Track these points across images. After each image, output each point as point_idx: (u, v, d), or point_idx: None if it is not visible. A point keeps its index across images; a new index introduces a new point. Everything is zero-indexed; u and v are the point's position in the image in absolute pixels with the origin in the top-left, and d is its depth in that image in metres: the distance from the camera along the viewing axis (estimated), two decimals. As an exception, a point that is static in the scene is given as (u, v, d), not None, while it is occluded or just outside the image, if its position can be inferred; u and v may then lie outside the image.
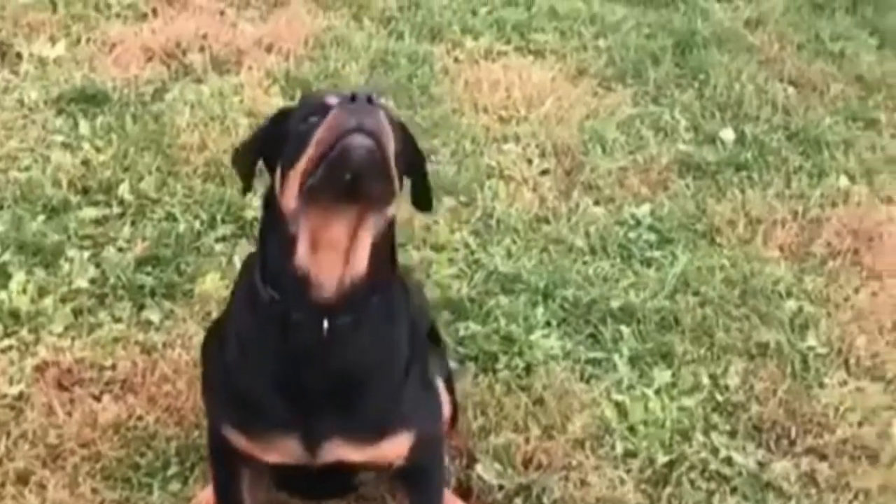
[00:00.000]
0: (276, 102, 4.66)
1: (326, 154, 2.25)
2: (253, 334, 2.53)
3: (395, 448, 2.60)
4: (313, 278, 2.38)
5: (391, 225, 2.47)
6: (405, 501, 2.90)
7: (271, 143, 2.48)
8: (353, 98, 2.28)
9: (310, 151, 2.28)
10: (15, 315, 3.61)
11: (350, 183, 2.26)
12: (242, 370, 2.56)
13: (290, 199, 2.34)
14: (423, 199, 2.62)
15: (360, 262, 2.39)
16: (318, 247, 2.36)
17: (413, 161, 2.51)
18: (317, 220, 2.34)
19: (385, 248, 2.46)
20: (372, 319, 2.47)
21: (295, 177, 2.32)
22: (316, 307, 2.40)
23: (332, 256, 2.37)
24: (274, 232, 2.43)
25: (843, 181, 4.66)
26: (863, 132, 5.07)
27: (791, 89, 5.33)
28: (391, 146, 2.28)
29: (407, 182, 2.52)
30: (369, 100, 2.28)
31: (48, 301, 3.66)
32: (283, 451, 2.55)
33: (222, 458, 2.72)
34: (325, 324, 2.41)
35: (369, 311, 2.45)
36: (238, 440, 2.60)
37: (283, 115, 2.55)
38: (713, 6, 6.06)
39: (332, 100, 2.35)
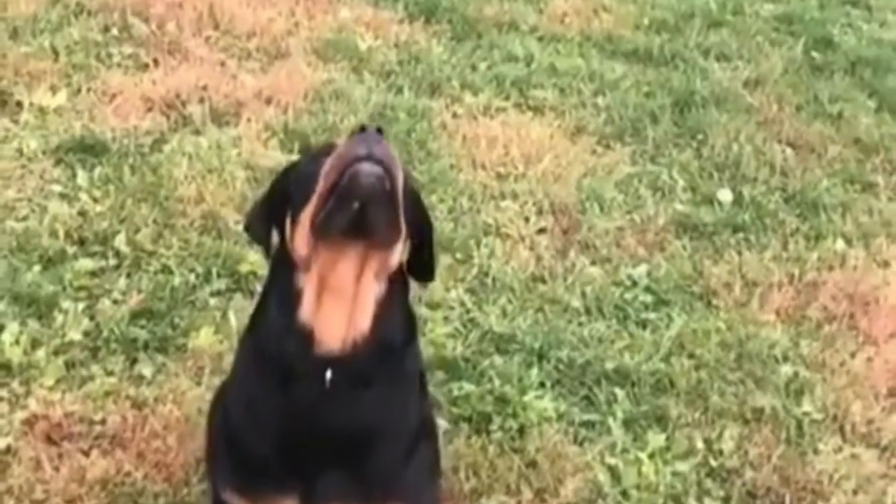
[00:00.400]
0: (274, 155, 4.68)
1: (337, 183, 2.24)
2: (256, 392, 2.51)
3: None
4: (318, 330, 2.37)
5: (403, 285, 2.46)
6: None
7: (280, 199, 2.48)
8: (362, 129, 2.29)
9: (320, 185, 2.28)
10: (6, 367, 3.58)
11: (359, 213, 2.24)
12: (245, 430, 2.55)
13: (300, 243, 2.34)
14: (425, 267, 2.57)
15: (366, 313, 2.38)
16: (325, 294, 2.35)
17: (417, 220, 2.48)
18: (326, 261, 2.32)
19: (394, 309, 2.45)
20: (378, 381, 2.45)
21: (306, 217, 2.31)
22: (320, 360, 2.38)
23: (338, 305, 2.36)
24: (279, 287, 2.43)
25: (840, 244, 4.66)
26: (860, 195, 5.08)
27: (789, 151, 5.34)
28: (400, 176, 2.28)
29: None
30: (379, 130, 2.29)
31: (41, 353, 3.64)
32: None
33: None
34: (328, 374, 2.39)
35: (375, 372, 2.44)
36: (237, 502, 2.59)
37: (288, 171, 2.55)
38: (712, 66, 6.09)
39: (339, 142, 2.36)
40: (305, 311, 2.37)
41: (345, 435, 2.46)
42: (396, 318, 2.47)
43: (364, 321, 2.39)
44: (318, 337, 2.37)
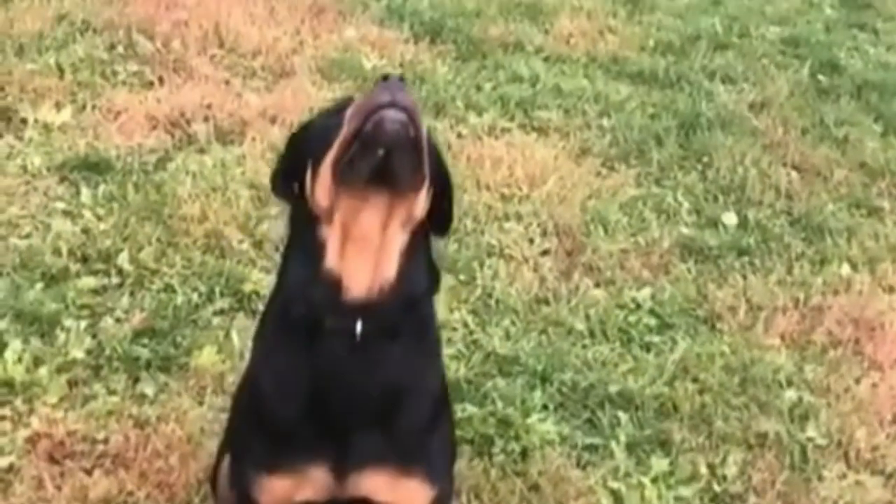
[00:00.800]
0: (278, 175, 4.66)
1: (360, 130, 2.23)
2: (283, 355, 2.46)
3: (418, 495, 2.51)
4: (345, 280, 2.33)
5: (425, 236, 2.44)
6: None
7: (299, 153, 2.46)
8: (384, 77, 2.28)
9: (343, 132, 2.26)
10: (9, 385, 3.57)
11: (383, 160, 2.22)
12: (273, 398, 2.48)
13: (322, 194, 2.31)
14: (443, 219, 2.53)
15: (391, 262, 2.35)
16: (349, 244, 2.32)
17: (437, 170, 2.44)
18: (349, 210, 2.29)
19: (418, 259, 2.42)
20: (405, 332, 2.42)
21: (327, 166, 2.29)
22: (349, 308, 2.34)
23: (364, 254, 2.32)
24: (302, 242, 2.40)
25: (846, 269, 4.65)
26: (866, 219, 5.07)
27: (794, 174, 5.33)
28: (423, 125, 2.27)
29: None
30: (401, 79, 2.28)
31: (43, 371, 3.63)
32: (313, 483, 2.45)
33: None
34: (359, 327, 2.35)
35: (402, 323, 2.41)
36: (266, 484, 2.49)
37: (307, 126, 2.54)
38: (718, 88, 6.09)
39: (357, 95, 2.36)
40: (331, 260, 2.33)
41: (376, 391, 2.42)
42: (421, 268, 2.43)
43: (390, 269, 2.35)
44: (345, 283, 2.33)
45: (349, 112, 2.28)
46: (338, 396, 2.40)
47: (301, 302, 2.39)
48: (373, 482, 2.45)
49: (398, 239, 2.35)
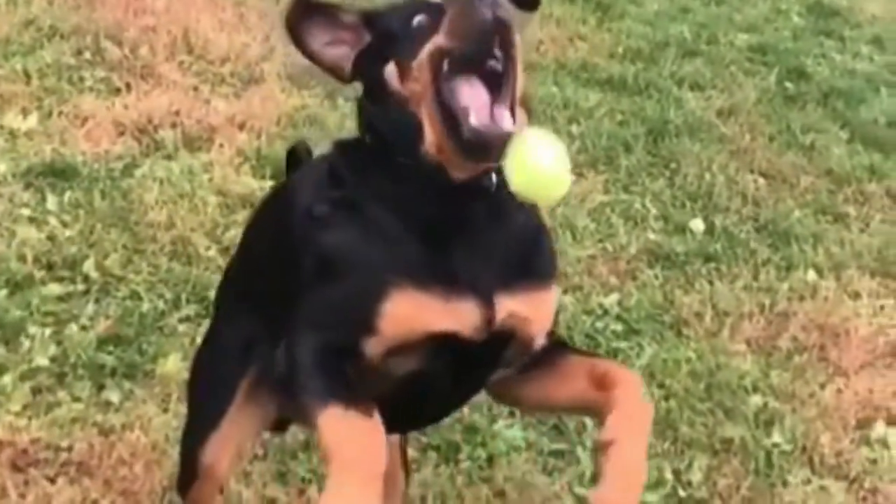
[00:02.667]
0: (246, 181, 4.66)
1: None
2: (399, 209, 2.39)
3: (552, 302, 2.50)
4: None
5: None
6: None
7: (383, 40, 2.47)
8: None
9: (440, 39, 2.32)
10: (-27, 392, 3.56)
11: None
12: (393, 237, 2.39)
13: (414, 85, 2.35)
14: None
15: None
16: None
17: None
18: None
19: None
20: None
21: (423, 64, 2.33)
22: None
23: None
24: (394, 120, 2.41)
25: (811, 275, 4.68)
26: (832, 226, 5.10)
27: (761, 181, 5.36)
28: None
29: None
30: None
31: (7, 379, 3.61)
32: (460, 314, 2.34)
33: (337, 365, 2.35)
34: (494, 178, 2.35)
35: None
36: (409, 306, 2.32)
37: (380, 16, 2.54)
38: (686, 95, 6.12)
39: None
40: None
41: (506, 230, 2.41)
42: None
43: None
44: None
45: (447, 25, 2.32)
46: (469, 239, 2.38)
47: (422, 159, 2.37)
48: (514, 302, 2.39)
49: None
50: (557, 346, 2.54)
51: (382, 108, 2.44)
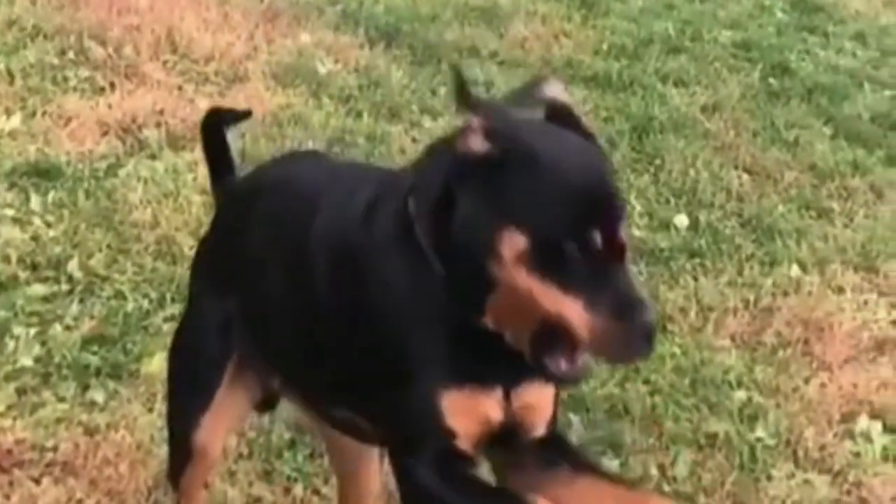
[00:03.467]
0: (230, 180, 4.65)
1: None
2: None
3: (552, 392, 2.45)
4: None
5: None
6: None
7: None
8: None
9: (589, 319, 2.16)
10: (-43, 392, 3.56)
11: None
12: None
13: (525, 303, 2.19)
14: None
15: None
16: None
17: None
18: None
19: None
20: None
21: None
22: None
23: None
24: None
25: (795, 270, 4.69)
26: (815, 221, 5.12)
27: (745, 176, 5.38)
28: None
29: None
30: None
31: (-9, 379, 3.62)
32: (486, 407, 2.32)
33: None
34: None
35: None
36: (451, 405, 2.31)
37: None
38: (670, 91, 6.12)
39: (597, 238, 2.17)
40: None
41: None
42: None
43: None
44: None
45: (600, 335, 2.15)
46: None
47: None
48: (529, 393, 2.36)
49: None
50: (579, 460, 2.47)
51: (477, 279, 2.21)
